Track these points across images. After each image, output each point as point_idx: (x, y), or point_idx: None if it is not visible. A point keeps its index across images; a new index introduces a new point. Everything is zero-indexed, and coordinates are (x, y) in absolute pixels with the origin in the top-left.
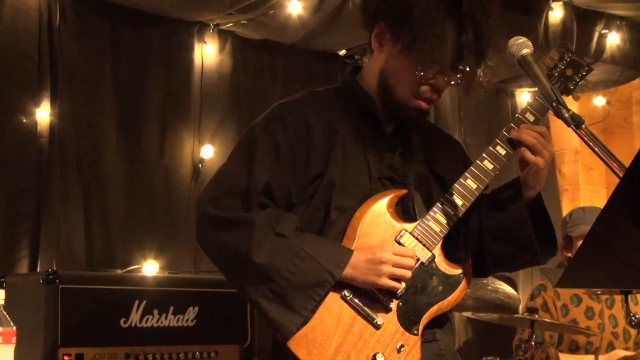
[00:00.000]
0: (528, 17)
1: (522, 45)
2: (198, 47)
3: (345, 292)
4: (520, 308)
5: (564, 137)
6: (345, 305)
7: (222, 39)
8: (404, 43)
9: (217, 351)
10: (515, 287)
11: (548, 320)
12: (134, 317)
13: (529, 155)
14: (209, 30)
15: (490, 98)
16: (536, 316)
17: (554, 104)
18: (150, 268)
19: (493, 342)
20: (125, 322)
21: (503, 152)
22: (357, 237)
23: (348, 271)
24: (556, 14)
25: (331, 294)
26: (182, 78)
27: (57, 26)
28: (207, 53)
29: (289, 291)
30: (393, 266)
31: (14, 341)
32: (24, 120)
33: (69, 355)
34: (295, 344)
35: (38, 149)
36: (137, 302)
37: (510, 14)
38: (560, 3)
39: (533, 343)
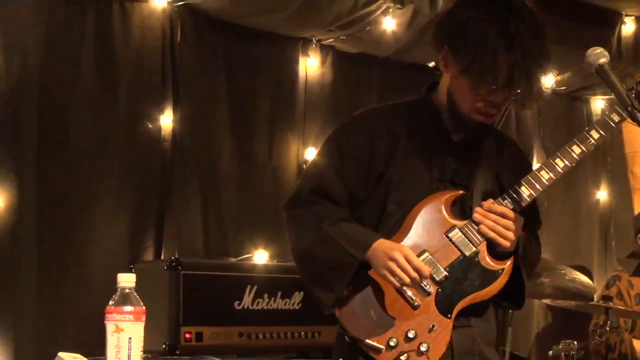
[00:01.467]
0: (600, 30)
1: (600, 55)
2: (302, 60)
3: None
4: (596, 296)
5: (637, 140)
6: (389, 285)
7: (323, 53)
8: (462, 66)
9: (319, 332)
10: (590, 277)
11: (622, 308)
12: (246, 300)
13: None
14: (312, 45)
15: (566, 105)
16: (610, 304)
17: (629, 108)
18: (260, 257)
19: (570, 327)
20: (238, 305)
21: (561, 164)
22: (411, 229)
23: (369, 254)
24: (628, 28)
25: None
26: (288, 88)
27: (178, 43)
28: (310, 66)
29: (323, 273)
30: (397, 266)
31: (144, 319)
32: (150, 126)
33: (189, 333)
34: (342, 315)
35: (161, 151)
36: (249, 287)
37: (583, 27)
38: (633, 17)
39: (608, 328)
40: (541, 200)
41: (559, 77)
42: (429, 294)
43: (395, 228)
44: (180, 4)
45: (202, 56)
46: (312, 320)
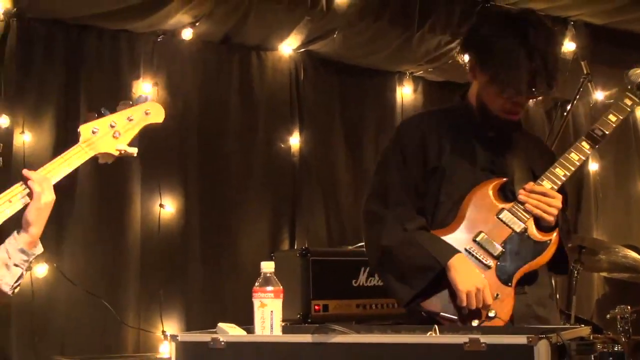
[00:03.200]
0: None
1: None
2: (399, 89)
3: None
4: None
5: None
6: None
7: (415, 83)
8: (489, 76)
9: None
10: None
11: None
12: (361, 278)
13: (544, 218)
14: (406, 77)
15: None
16: None
17: None
18: None
19: (624, 295)
20: (355, 282)
21: (587, 146)
22: (466, 215)
23: (450, 263)
24: None
25: None
26: (388, 111)
27: (302, 81)
28: (405, 93)
29: (406, 272)
30: (473, 295)
31: (282, 296)
32: (282, 146)
33: (318, 305)
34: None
35: (292, 165)
36: (363, 269)
37: (626, 51)
38: None
39: None
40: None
41: (607, 93)
42: (489, 267)
43: (449, 216)
44: (302, 51)
45: (321, 90)
46: None
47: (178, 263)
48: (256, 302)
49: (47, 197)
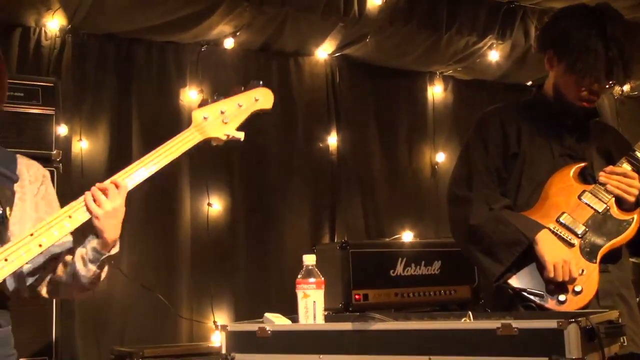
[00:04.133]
0: None
1: None
2: (430, 88)
3: None
4: None
5: None
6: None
7: (445, 82)
8: (566, 65)
9: (455, 290)
10: None
11: None
12: (399, 268)
13: (625, 198)
14: (437, 77)
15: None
16: None
17: None
18: (407, 236)
19: None
20: (393, 272)
21: None
22: (549, 198)
23: (537, 237)
24: None
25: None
26: (420, 110)
27: (337, 83)
28: (436, 92)
29: (494, 247)
30: (560, 267)
31: (323, 287)
32: (320, 145)
33: (358, 295)
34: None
35: (330, 163)
36: (400, 259)
37: None
38: None
39: None
40: None
41: (633, 84)
42: (573, 245)
43: (531, 199)
44: (337, 55)
45: (355, 91)
46: (448, 281)
47: (226, 257)
48: (299, 293)
49: (107, 206)
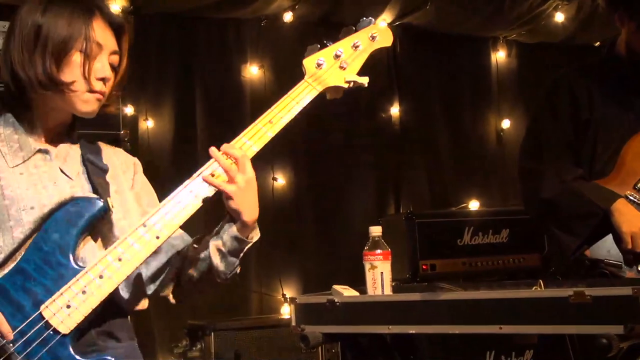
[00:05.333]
0: None
1: None
2: (493, 54)
3: None
4: None
5: None
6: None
7: (509, 46)
8: (637, 24)
9: (523, 258)
10: None
11: None
12: (466, 237)
13: None
14: (500, 42)
15: None
16: None
17: None
18: (473, 205)
19: None
20: (460, 242)
21: None
22: (625, 164)
23: (612, 207)
24: None
25: None
26: (484, 76)
27: (398, 52)
28: (500, 57)
29: (568, 221)
30: (638, 234)
31: (390, 258)
32: (383, 116)
33: (425, 265)
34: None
35: (393, 133)
36: (467, 228)
37: None
38: None
39: None
40: None
41: None
42: None
43: (607, 166)
44: (398, 24)
45: (417, 60)
46: (517, 249)
47: (293, 231)
48: (367, 265)
49: (241, 180)
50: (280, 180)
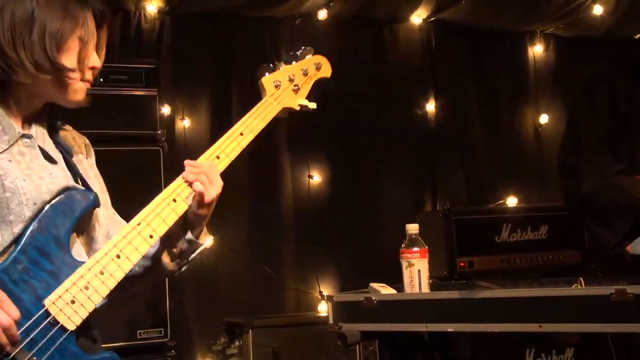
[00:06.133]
0: None
1: None
2: (530, 49)
3: None
4: None
5: None
6: None
7: (546, 40)
8: None
9: (563, 255)
10: None
11: None
12: (504, 234)
13: None
14: (537, 36)
15: None
16: None
17: None
18: (511, 201)
19: None
20: (498, 239)
21: None
22: None
23: None
24: None
25: None
26: (521, 71)
27: (433, 48)
28: (537, 51)
29: (608, 216)
30: None
31: (427, 256)
32: (419, 112)
33: (463, 262)
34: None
35: (429, 130)
36: (505, 225)
37: None
38: None
39: None
40: None
41: None
42: None
43: None
44: (432, 19)
45: (452, 55)
46: (556, 246)
47: (329, 228)
48: (404, 263)
49: (215, 190)
50: (316, 177)
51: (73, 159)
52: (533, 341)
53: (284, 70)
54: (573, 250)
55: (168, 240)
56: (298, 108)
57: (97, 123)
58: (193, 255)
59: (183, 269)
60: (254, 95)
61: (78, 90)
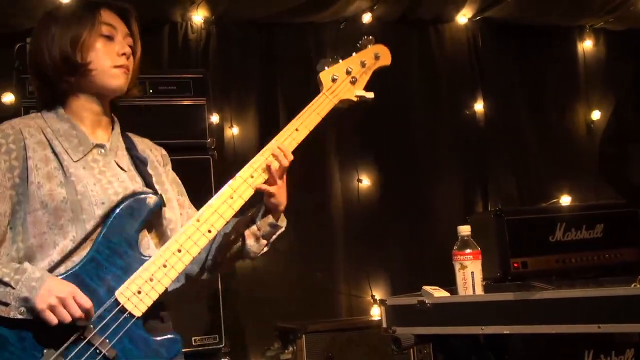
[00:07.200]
0: None
1: None
2: (580, 44)
3: None
4: None
5: None
6: None
7: (596, 35)
8: None
9: (620, 253)
10: None
11: None
12: (558, 234)
13: None
14: (586, 31)
15: None
16: None
17: None
18: (565, 200)
19: None
20: (552, 238)
21: None
22: None
23: None
24: None
25: None
26: (570, 67)
27: (480, 47)
28: (587, 46)
29: None
30: None
31: (480, 257)
32: (467, 112)
33: (517, 263)
34: None
35: (478, 130)
36: (559, 224)
37: None
38: None
39: None
40: None
41: None
42: None
43: None
44: (478, 18)
45: (499, 54)
46: (613, 244)
47: (379, 232)
48: (456, 265)
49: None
50: (365, 181)
51: (148, 167)
52: (592, 342)
53: (343, 63)
54: (630, 248)
55: (251, 225)
56: (355, 99)
57: (147, 133)
58: (274, 237)
59: (264, 249)
60: (301, 100)
61: (115, 75)
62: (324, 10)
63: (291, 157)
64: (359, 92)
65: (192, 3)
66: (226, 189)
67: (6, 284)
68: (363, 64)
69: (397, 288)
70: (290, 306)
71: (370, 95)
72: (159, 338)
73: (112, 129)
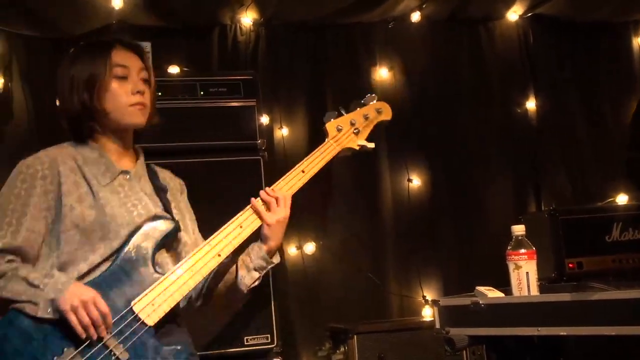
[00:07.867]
0: None
1: None
2: (635, 39)
3: None
4: None
5: None
6: None
7: None
8: None
9: None
10: None
11: None
12: (615, 233)
13: None
14: None
15: None
16: None
17: None
18: (622, 199)
19: None
20: (608, 238)
21: None
22: None
23: None
24: None
25: None
26: (624, 63)
27: (531, 44)
28: None
29: None
30: None
31: (535, 257)
32: (519, 111)
33: (572, 263)
34: None
35: (530, 128)
36: (615, 223)
37: None
38: None
39: None
40: None
41: None
42: None
43: None
44: (529, 15)
45: (551, 51)
46: None
47: (430, 232)
48: (511, 265)
49: (281, 214)
50: (415, 181)
51: (167, 194)
52: None
53: (347, 116)
54: None
55: (245, 256)
56: (357, 148)
57: (199, 135)
58: (265, 270)
59: (256, 283)
60: (350, 100)
61: (132, 113)
62: (372, 10)
63: (281, 195)
64: (361, 142)
65: (241, 5)
66: (238, 217)
67: (36, 286)
68: (366, 117)
69: (449, 289)
70: (342, 306)
71: (371, 145)
72: (168, 347)
73: (137, 158)
